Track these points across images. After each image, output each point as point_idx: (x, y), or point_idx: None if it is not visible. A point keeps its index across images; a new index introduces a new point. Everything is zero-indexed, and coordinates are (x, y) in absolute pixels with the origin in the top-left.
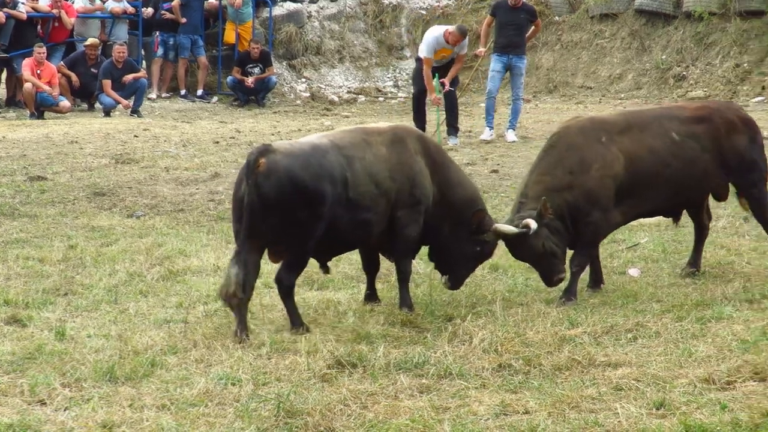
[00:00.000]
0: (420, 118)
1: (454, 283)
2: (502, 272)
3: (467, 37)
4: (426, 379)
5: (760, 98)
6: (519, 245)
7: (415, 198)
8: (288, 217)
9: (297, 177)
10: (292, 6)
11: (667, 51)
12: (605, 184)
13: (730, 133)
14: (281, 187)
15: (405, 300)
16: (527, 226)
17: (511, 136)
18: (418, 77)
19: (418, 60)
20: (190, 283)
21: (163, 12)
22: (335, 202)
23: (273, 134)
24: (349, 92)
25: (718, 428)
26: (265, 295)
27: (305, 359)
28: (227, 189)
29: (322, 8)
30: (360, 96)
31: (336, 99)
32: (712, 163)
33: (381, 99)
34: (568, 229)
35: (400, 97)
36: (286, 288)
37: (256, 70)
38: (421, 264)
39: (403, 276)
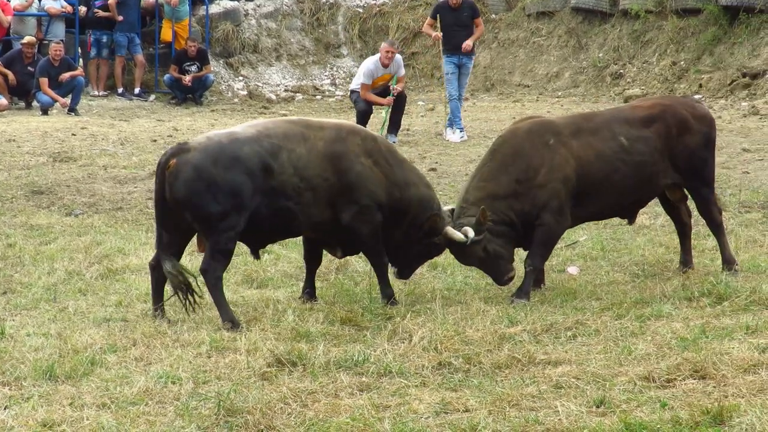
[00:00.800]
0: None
1: (402, 274)
2: (441, 270)
3: (398, 54)
4: (366, 377)
5: (697, 96)
6: (461, 251)
7: (357, 199)
8: (203, 212)
9: (206, 173)
10: (228, 4)
11: (604, 49)
12: (554, 189)
13: (682, 133)
14: (190, 186)
15: (385, 293)
16: (465, 235)
17: (449, 134)
18: (360, 104)
19: (353, 92)
20: (129, 281)
21: (95, 11)
22: (256, 191)
23: None
24: (286, 90)
25: (658, 426)
26: (205, 293)
27: (245, 357)
28: None
29: (258, 6)
30: (297, 94)
31: (273, 97)
32: (662, 164)
33: (318, 97)
34: (515, 229)
35: (338, 96)
36: (213, 279)
37: (194, 68)
38: (360, 262)
39: (379, 271)
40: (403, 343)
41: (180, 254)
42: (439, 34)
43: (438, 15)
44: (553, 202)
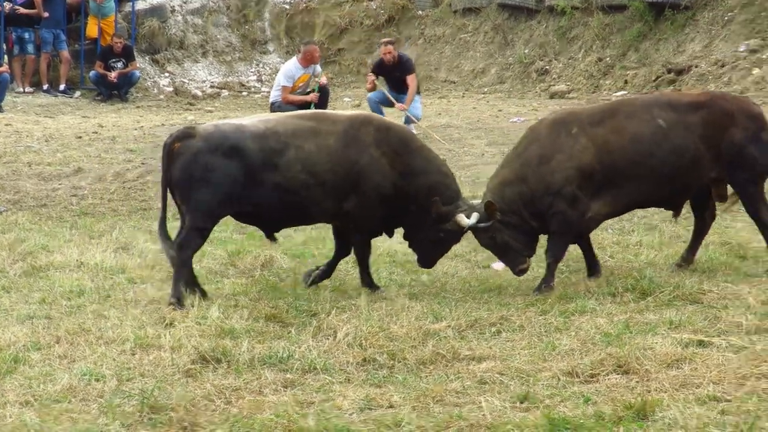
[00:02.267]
0: None
1: (422, 262)
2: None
3: (319, 53)
4: (290, 373)
5: (622, 92)
6: (476, 236)
7: (364, 190)
8: (192, 195)
9: (203, 160)
10: (155, 0)
11: (529, 45)
12: (567, 176)
13: (728, 126)
14: (186, 169)
15: (365, 281)
16: (461, 223)
17: None
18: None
19: (273, 104)
20: (53, 278)
21: (15, 8)
22: (255, 185)
23: (136, 129)
24: (212, 87)
25: (582, 421)
26: (129, 291)
27: (169, 355)
28: (90, 184)
29: (185, 2)
30: (223, 90)
31: (199, 93)
32: (706, 153)
33: (244, 93)
34: (526, 220)
35: (264, 92)
36: (184, 256)
37: (119, 64)
38: (286, 259)
39: (361, 262)
40: (328, 339)
41: None
42: (402, 105)
43: (377, 72)
44: (564, 190)
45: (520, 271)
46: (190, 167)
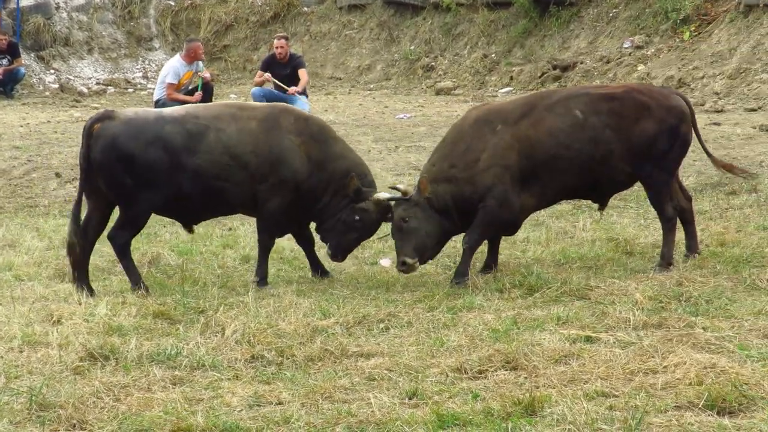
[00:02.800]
0: None
1: (335, 252)
2: (254, 263)
3: (202, 50)
4: (179, 371)
5: (508, 89)
6: (392, 217)
7: (280, 174)
8: (116, 180)
9: (122, 144)
10: None
11: (415, 42)
12: (495, 174)
13: (639, 119)
14: (105, 152)
15: (259, 272)
16: (379, 199)
17: None
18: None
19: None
20: None
21: None
22: (174, 170)
23: (21, 126)
24: (98, 84)
25: (471, 417)
26: (16, 288)
27: (57, 352)
28: None
29: None
30: (109, 87)
31: (85, 90)
32: (616, 145)
33: (130, 90)
34: (448, 220)
35: (150, 89)
36: (119, 246)
37: (4, 61)
38: (173, 255)
39: (264, 248)
40: (216, 336)
41: (104, 222)
42: (293, 89)
43: (267, 68)
44: (495, 189)
45: (403, 264)
46: (110, 151)
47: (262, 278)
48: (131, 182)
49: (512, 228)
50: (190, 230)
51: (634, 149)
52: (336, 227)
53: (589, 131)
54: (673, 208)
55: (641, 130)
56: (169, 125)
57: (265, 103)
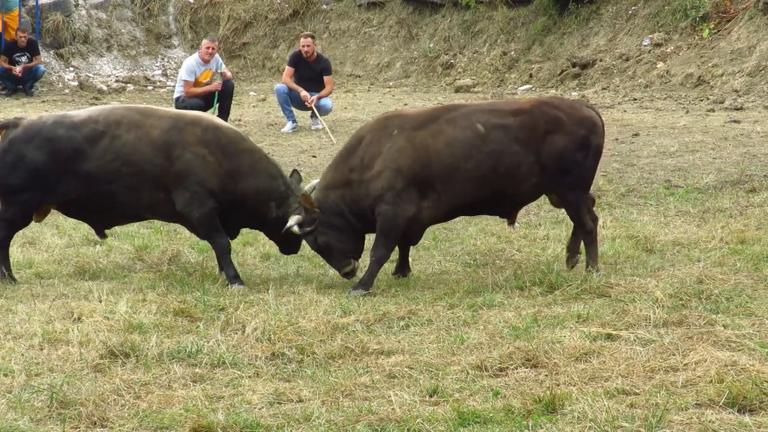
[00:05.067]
0: None
1: (284, 251)
2: (274, 261)
3: (217, 48)
4: (199, 368)
5: (527, 86)
6: (300, 240)
7: (190, 186)
8: (6, 182)
9: (14, 149)
10: None
11: (434, 39)
12: (387, 178)
13: (550, 132)
14: (2, 157)
15: (227, 273)
16: (291, 226)
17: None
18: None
19: (177, 100)
20: None
21: None
22: (62, 173)
23: None
24: (117, 81)
25: (491, 414)
26: (36, 285)
27: (78, 349)
28: None
29: None
30: (129, 85)
31: (105, 88)
32: (525, 158)
33: (150, 88)
34: (350, 222)
35: (169, 86)
36: None
37: (24, 59)
38: (193, 253)
39: (218, 251)
40: (237, 333)
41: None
42: (308, 95)
43: (293, 65)
44: (387, 193)
45: (345, 274)
46: (4, 156)
47: (233, 278)
48: (16, 183)
49: (415, 237)
50: (102, 235)
51: (544, 162)
52: (273, 237)
53: (491, 144)
54: (592, 220)
55: (551, 143)
56: (63, 129)
57: (174, 111)
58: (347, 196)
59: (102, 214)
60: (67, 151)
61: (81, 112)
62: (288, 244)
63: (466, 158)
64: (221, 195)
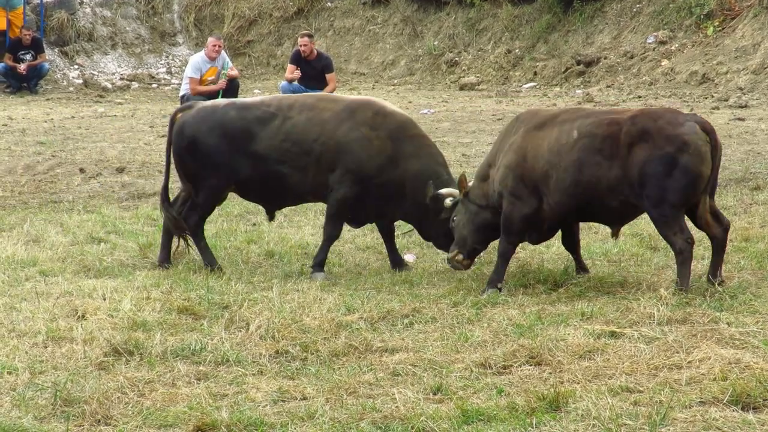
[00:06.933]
0: None
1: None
2: (278, 259)
3: (223, 45)
4: (203, 366)
5: (532, 84)
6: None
7: (346, 161)
8: (184, 164)
9: (189, 131)
10: None
11: (439, 37)
12: (503, 175)
13: (633, 146)
14: (178, 139)
15: (316, 258)
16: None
17: None
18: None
19: (183, 97)
20: None
21: None
22: (233, 154)
23: (46, 121)
24: (122, 79)
25: (495, 412)
26: (40, 283)
27: (82, 347)
28: (0, 177)
29: None
30: (133, 82)
31: (109, 86)
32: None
33: (154, 85)
34: (482, 215)
35: (174, 84)
36: (191, 227)
37: (28, 56)
38: (197, 250)
39: (327, 237)
40: (240, 331)
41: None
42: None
43: (295, 63)
44: (505, 190)
45: (448, 260)
46: (179, 138)
47: (318, 266)
48: (194, 166)
49: (544, 236)
50: (271, 217)
51: (629, 177)
52: (441, 236)
53: (576, 153)
54: (723, 228)
55: (634, 157)
56: (234, 111)
57: (348, 98)
58: (486, 189)
59: (274, 195)
60: (240, 131)
61: (263, 96)
62: (442, 234)
63: (555, 166)
64: (377, 178)
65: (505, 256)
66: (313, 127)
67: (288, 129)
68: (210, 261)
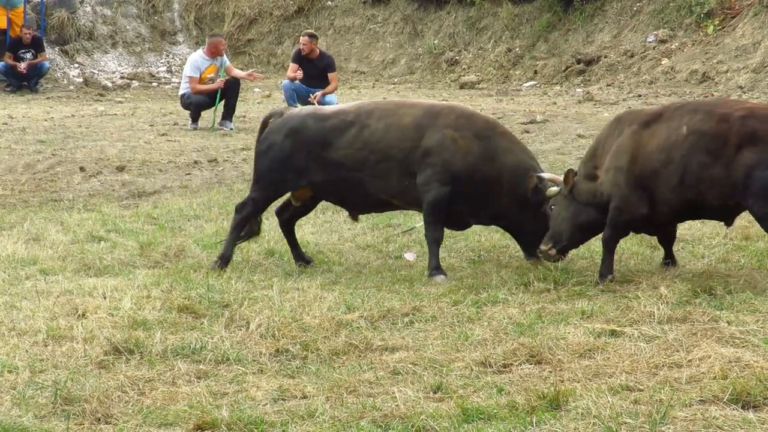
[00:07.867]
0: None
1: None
2: (278, 257)
3: (224, 45)
4: (203, 364)
5: (532, 82)
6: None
7: (432, 160)
8: (256, 167)
9: (270, 136)
10: None
11: (439, 36)
12: (614, 176)
13: (741, 147)
14: (262, 142)
15: (431, 263)
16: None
17: None
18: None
19: (183, 96)
20: None
21: None
22: (307, 159)
23: (46, 120)
24: (122, 78)
25: (495, 411)
26: (40, 282)
27: (82, 346)
28: (0, 175)
29: None
30: (134, 81)
31: (109, 84)
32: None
33: (155, 84)
34: (581, 212)
35: (174, 83)
36: (239, 218)
37: (29, 55)
38: (197, 249)
39: (431, 241)
40: (241, 330)
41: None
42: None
43: (297, 62)
44: (614, 189)
45: (540, 252)
46: (260, 143)
47: (434, 268)
48: (264, 168)
49: (655, 233)
50: (355, 218)
51: (735, 179)
52: (533, 234)
53: (683, 150)
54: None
55: (741, 159)
56: (311, 120)
57: (427, 102)
58: (591, 189)
59: (353, 198)
60: (315, 138)
61: (347, 104)
62: (540, 229)
63: (664, 163)
64: (469, 176)
65: (611, 249)
66: (393, 134)
67: (366, 137)
68: (227, 257)
